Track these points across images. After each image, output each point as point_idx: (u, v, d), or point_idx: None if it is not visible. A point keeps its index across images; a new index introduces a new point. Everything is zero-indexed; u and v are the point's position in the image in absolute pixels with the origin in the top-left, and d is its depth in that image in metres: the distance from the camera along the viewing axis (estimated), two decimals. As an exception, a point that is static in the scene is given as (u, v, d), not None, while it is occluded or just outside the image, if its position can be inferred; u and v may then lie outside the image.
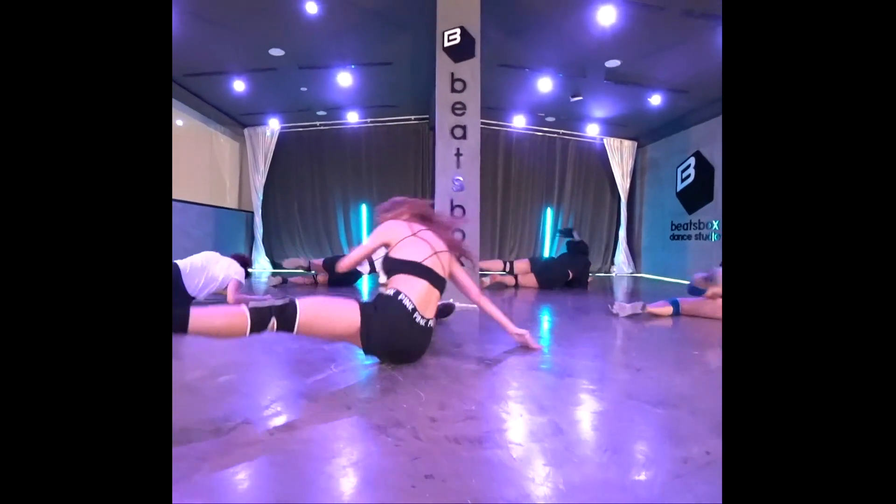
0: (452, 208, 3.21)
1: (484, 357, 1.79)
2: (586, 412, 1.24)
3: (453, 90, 3.22)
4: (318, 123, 6.66)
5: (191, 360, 1.68)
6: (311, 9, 3.37)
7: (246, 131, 6.69)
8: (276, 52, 4.28)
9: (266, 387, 1.41)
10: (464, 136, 3.22)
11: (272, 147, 6.69)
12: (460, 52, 3.22)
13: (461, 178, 3.21)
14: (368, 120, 6.67)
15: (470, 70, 3.23)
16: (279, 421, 1.14)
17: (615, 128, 6.70)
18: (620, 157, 7.05)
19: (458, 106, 3.22)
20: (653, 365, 1.71)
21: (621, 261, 7.11)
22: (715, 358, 1.84)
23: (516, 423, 1.14)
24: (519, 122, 6.59)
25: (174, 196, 4.86)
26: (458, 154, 3.21)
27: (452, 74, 3.22)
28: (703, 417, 1.19)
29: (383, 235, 1.84)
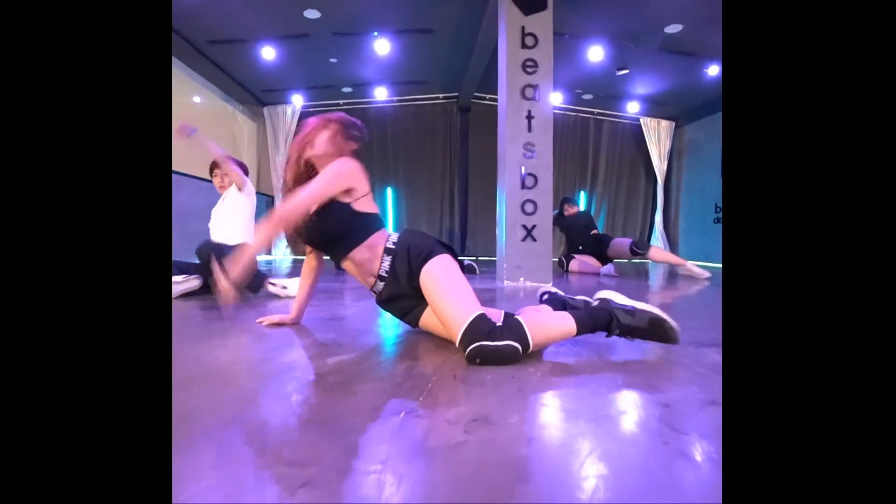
0: (524, 178, 2.90)
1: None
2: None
3: (524, 46, 2.90)
4: (341, 102, 6.32)
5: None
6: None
7: (265, 111, 6.35)
8: (312, 14, 3.94)
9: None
10: (535, 98, 2.90)
11: (293, 127, 6.34)
12: (532, 4, 2.89)
13: (534, 145, 2.90)
14: (395, 98, 6.34)
15: (542, 24, 2.91)
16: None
17: (655, 106, 6.38)
18: (658, 139, 6.74)
19: (529, 63, 2.90)
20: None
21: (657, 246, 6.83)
22: None
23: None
24: (555, 99, 6.26)
25: (196, 174, 4.55)
26: (529, 117, 2.90)
27: (523, 28, 2.89)
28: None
29: (350, 179, 1.26)
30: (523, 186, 2.90)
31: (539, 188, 2.91)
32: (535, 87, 2.90)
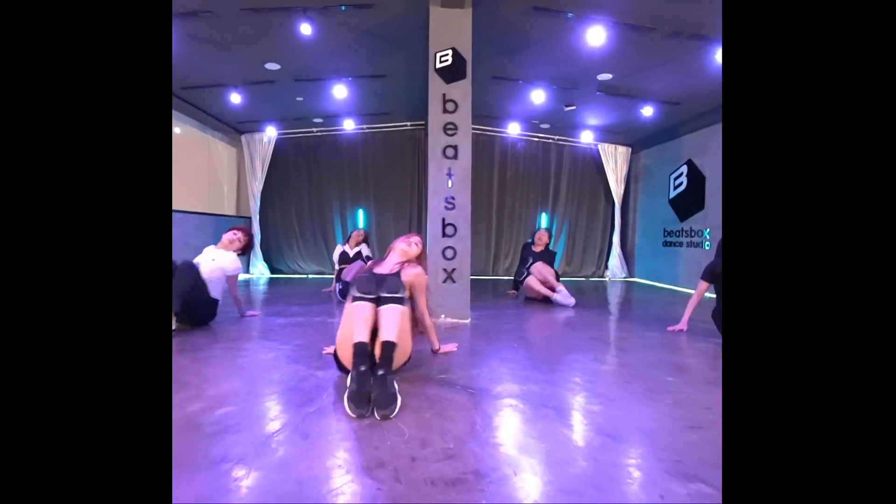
0: (444, 227, 3.30)
1: (465, 385, 1.89)
2: (561, 451, 1.34)
3: (445, 111, 3.29)
4: (314, 130, 6.73)
5: (193, 389, 1.78)
6: (306, 30, 3.44)
7: (243, 137, 6.75)
8: (272, 66, 4.35)
9: (262, 420, 1.51)
10: (455, 157, 3.30)
11: (269, 153, 6.76)
12: (452, 74, 3.29)
13: (454, 198, 3.29)
14: (364, 127, 6.74)
15: (461, 91, 3.30)
16: (273, 459, 1.24)
17: (609, 135, 6.78)
18: (615, 163, 7.13)
19: (449, 126, 3.30)
20: (626, 395, 1.81)
21: (615, 265, 7.22)
22: (686, 384, 1.94)
23: (493, 464, 1.24)
24: (514, 129, 6.66)
25: (172, 206, 4.95)
26: (449, 174, 3.29)
27: (444, 95, 3.29)
28: (662, 458, 1.29)
29: None
30: (444, 235, 3.30)
31: (458, 236, 3.31)
32: (454, 147, 3.30)
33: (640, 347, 2.67)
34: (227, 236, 3.18)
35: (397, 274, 2.07)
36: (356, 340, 1.68)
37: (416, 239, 2.27)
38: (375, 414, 1.52)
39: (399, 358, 1.82)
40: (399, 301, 1.90)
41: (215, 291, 2.98)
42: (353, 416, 1.51)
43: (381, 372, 1.59)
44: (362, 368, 1.59)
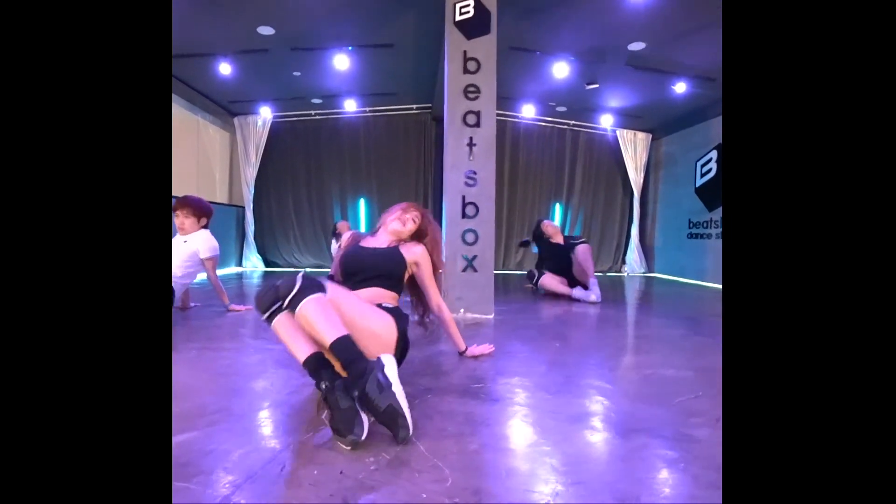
0: (464, 206, 2.83)
1: (513, 399, 1.42)
2: (665, 497, 0.87)
3: (466, 71, 2.82)
4: (312, 112, 6.24)
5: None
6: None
7: (236, 120, 6.26)
8: (266, 30, 3.87)
9: (233, 455, 1.04)
10: (477, 124, 2.83)
11: (264, 138, 6.26)
12: (474, 28, 2.82)
13: (475, 173, 2.82)
14: (367, 109, 6.26)
15: (485, 48, 2.83)
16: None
17: (630, 119, 6.31)
18: (634, 151, 6.66)
19: (471, 89, 2.82)
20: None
21: (633, 260, 6.76)
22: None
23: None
24: (528, 111, 6.18)
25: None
26: (470, 144, 2.82)
27: (465, 53, 2.82)
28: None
29: None
30: (464, 216, 2.83)
31: (480, 218, 2.84)
32: (476, 113, 2.83)
33: (710, 349, 2.21)
34: (175, 224, 2.75)
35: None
36: (301, 360, 1.21)
37: (413, 214, 1.73)
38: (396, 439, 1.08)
39: (375, 344, 1.29)
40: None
41: (184, 277, 2.61)
42: (346, 447, 1.05)
43: (356, 392, 1.08)
44: (324, 385, 1.11)
